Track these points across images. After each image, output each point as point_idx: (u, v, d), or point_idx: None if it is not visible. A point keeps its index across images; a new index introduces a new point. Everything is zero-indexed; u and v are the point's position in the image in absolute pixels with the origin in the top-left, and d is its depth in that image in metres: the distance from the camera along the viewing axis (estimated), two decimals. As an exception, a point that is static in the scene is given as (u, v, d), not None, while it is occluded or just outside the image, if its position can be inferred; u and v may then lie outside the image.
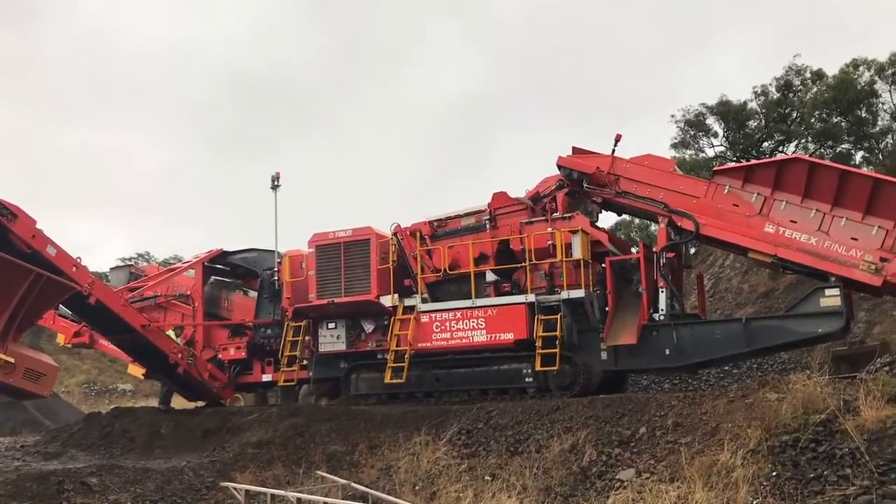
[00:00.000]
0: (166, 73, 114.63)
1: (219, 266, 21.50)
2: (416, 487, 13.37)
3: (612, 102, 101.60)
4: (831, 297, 14.53)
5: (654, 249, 16.38)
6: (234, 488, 13.05)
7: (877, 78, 29.49)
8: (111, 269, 25.22)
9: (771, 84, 32.42)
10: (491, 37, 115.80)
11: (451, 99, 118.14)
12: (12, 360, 15.06)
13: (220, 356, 20.11)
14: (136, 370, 23.14)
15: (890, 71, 29.01)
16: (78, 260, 16.69)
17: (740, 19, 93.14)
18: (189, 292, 20.79)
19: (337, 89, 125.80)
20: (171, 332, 19.38)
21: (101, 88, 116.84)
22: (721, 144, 33.30)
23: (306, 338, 18.59)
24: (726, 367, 21.93)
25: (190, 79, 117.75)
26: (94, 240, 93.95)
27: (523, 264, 16.74)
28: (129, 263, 28.87)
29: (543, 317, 16.11)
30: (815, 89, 31.23)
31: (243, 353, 19.91)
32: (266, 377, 19.84)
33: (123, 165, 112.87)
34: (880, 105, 29.68)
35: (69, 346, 23.84)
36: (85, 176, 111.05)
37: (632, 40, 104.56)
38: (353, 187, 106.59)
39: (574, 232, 16.38)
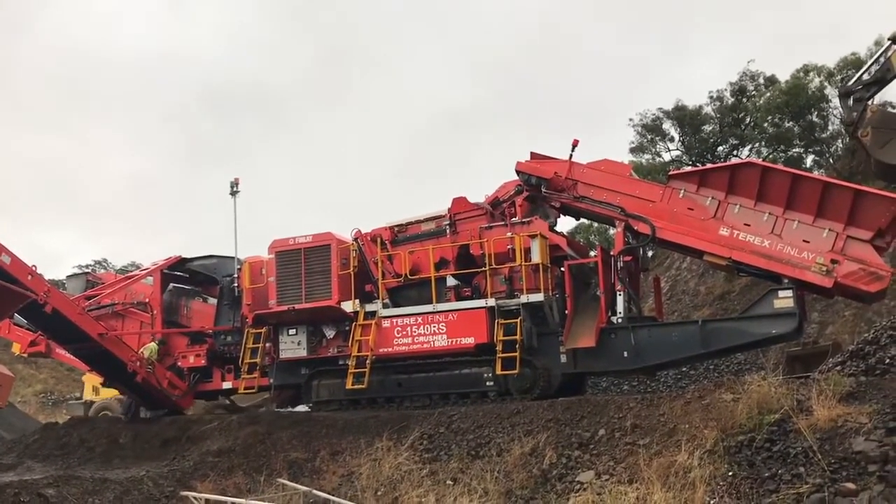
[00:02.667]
0: (141, 82, 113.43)
1: (178, 273, 21.30)
2: (378, 493, 13.40)
3: (589, 109, 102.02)
4: (784, 299, 14.81)
5: (611, 253, 16.58)
6: (194, 497, 12.97)
7: (827, 83, 30.12)
8: (67, 277, 24.91)
9: (726, 89, 32.99)
10: (469, 45, 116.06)
11: (429, 107, 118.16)
12: (-34, 371, 14.82)
13: (179, 364, 19.91)
14: (94, 379, 22.94)
15: (839, 76, 29.61)
16: (33, 268, 16.46)
17: (719, 28, 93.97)
18: (147, 300, 20.54)
19: (314, 98, 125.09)
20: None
21: (72, 98, 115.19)
22: (677, 149, 33.79)
23: (267, 344, 18.50)
24: (683, 369, 22.26)
25: (164, 88, 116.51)
26: (66, 249, 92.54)
27: (483, 269, 16.84)
28: (86, 271, 28.43)
29: (503, 321, 16.23)
30: (767, 94, 31.80)
31: (203, 361, 19.70)
32: (226, 384, 19.68)
33: (96, 175, 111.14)
34: (830, 110, 30.29)
35: (25, 355, 23.50)
36: (56, 186, 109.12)
37: (610, 49, 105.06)
38: (329, 196, 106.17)
39: (533, 236, 16.54)
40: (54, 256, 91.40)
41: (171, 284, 21.08)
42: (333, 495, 12.87)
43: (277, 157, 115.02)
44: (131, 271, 28.56)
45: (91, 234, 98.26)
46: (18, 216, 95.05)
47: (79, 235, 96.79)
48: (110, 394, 25.47)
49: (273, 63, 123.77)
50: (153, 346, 19.14)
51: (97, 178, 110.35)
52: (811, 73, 30.46)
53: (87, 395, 27.40)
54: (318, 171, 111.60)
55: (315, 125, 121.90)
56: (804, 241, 14.75)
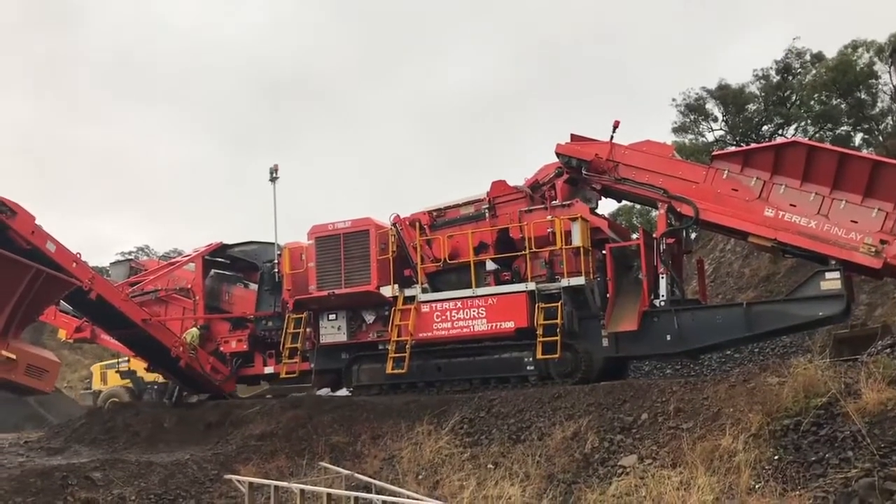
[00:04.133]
0: (190, 68, 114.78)
1: (219, 259, 21.49)
2: (419, 477, 13.41)
3: (637, 92, 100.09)
4: (832, 281, 14.51)
5: (654, 235, 16.38)
6: (238, 481, 13.05)
7: (876, 59, 29.34)
8: (111, 263, 25.26)
9: (771, 67, 32.30)
10: (514, 27, 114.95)
11: (475, 90, 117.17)
12: (14, 357, 15.08)
13: (221, 349, 20.11)
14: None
15: (889, 52, 28.80)
16: (78, 255, 16.70)
17: (774, 8, 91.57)
18: (190, 286, 20.76)
19: (361, 83, 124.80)
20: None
21: (123, 86, 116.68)
22: (720, 129, 33.21)
23: (307, 329, 18.58)
24: (728, 352, 21.91)
25: (214, 74, 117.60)
26: (116, 237, 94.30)
27: (523, 252, 16.73)
28: (129, 258, 28.82)
29: (544, 305, 16.10)
30: (814, 72, 31.09)
31: (245, 346, 19.89)
32: (268, 369, 19.84)
33: (145, 162, 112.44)
34: (880, 86, 29.55)
35: (71, 341, 23.95)
36: (107, 173, 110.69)
37: (659, 28, 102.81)
38: (377, 180, 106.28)
39: (573, 219, 16.36)
40: (106, 243, 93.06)
41: (213, 270, 21.28)
42: (375, 479, 12.88)
43: (325, 142, 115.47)
44: (173, 258, 28.89)
45: (141, 221, 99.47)
46: (73, 203, 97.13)
47: (128, 223, 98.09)
48: (117, 382, 26.11)
49: (321, 47, 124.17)
50: (194, 331, 19.32)
51: (146, 165, 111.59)
52: (860, 49, 29.68)
53: (96, 384, 27.92)
54: (366, 155, 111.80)
55: (362, 110, 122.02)
56: (852, 221, 14.43)
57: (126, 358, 24.18)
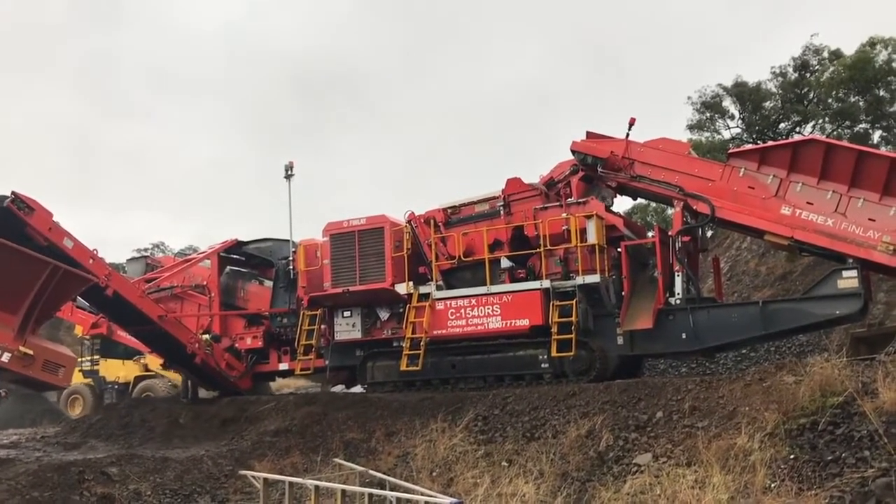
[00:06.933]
0: (223, 66, 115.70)
1: (234, 256, 21.56)
2: (434, 474, 13.40)
3: (676, 89, 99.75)
4: (849, 279, 14.41)
5: (669, 233, 16.31)
6: (253, 476, 13.09)
7: (895, 56, 29.09)
8: (127, 260, 25.44)
9: (788, 64, 32.05)
10: (550, 25, 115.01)
11: (513, 87, 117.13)
12: (31, 353, 15.16)
13: (236, 346, 20.18)
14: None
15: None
16: (94, 252, 16.81)
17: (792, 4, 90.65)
18: (205, 282, 20.84)
19: (398, 80, 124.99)
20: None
21: (157, 82, 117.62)
22: (737, 126, 32.99)
23: (322, 326, 18.62)
24: (743, 351, 21.81)
25: (247, 71, 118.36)
26: (153, 234, 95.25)
27: (538, 250, 16.70)
28: (145, 255, 29.03)
29: (559, 302, 16.07)
30: (832, 69, 30.84)
31: (260, 343, 19.95)
32: (283, 366, 19.91)
33: (178, 159, 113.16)
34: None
35: (87, 337, 24.10)
36: (138, 170, 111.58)
37: (702, 23, 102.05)
38: (411, 179, 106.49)
39: (589, 217, 16.31)
40: (129, 240, 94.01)
41: (228, 267, 21.34)
42: (389, 476, 12.88)
43: (360, 139, 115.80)
44: (189, 255, 29.02)
45: (173, 219, 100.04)
46: (109, 199, 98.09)
47: (159, 220, 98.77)
48: (79, 380, 26.41)
49: (356, 44, 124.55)
50: (206, 337, 19.38)
51: (178, 163, 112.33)
52: (878, 46, 29.43)
53: None
54: (402, 153, 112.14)
55: (399, 107, 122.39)
56: (870, 219, 14.31)
57: (90, 358, 24.49)
